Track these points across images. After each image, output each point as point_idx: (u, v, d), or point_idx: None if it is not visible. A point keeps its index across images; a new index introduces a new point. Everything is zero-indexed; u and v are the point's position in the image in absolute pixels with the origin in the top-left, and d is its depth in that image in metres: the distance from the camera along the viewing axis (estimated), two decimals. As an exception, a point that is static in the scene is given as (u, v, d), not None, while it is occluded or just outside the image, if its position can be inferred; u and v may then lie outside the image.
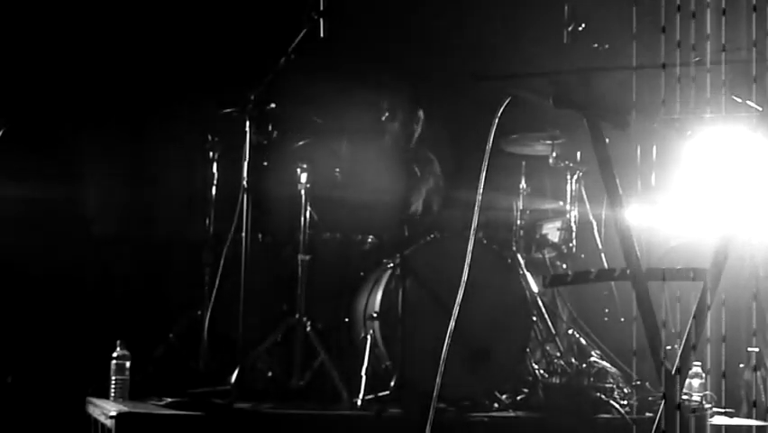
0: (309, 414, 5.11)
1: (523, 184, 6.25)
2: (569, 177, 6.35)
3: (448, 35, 7.10)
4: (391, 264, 5.53)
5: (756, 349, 5.54)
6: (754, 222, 3.30)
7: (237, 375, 5.15)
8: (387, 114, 6.51)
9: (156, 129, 6.80)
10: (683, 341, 3.04)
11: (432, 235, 5.71)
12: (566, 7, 5.36)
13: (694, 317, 3.05)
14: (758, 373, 5.55)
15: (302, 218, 5.71)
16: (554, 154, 6.28)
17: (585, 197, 6.41)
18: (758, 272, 5.25)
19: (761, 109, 3.08)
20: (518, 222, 6.13)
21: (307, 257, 5.70)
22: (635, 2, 3.89)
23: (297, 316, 5.59)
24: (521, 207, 6.16)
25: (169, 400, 5.17)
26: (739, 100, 3.18)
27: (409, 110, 6.49)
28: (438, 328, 5.10)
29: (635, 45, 3.88)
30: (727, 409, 5.45)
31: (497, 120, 3.16)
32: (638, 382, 5.69)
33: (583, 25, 5.47)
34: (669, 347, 3.44)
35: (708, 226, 3.26)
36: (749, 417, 5.50)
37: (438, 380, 3.61)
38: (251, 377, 5.51)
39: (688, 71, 3.43)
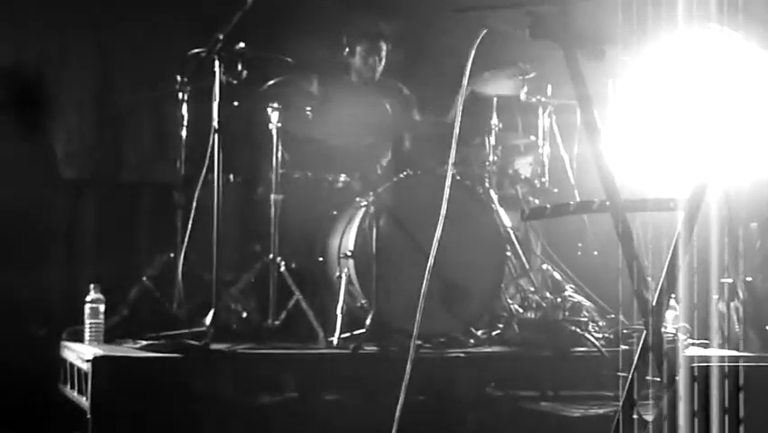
0: (285, 353, 5.11)
1: (494, 120, 6.22)
2: (540, 112, 6.33)
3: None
4: (365, 203, 5.51)
5: (730, 280, 5.58)
6: (729, 154, 3.29)
7: (212, 317, 5.13)
8: (347, 49, 6.45)
9: (124, 70, 6.71)
10: (664, 272, 3.04)
11: (405, 173, 5.70)
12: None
13: (672, 249, 3.04)
14: (732, 304, 5.59)
15: (274, 158, 5.68)
16: (525, 89, 6.25)
17: (557, 131, 6.40)
18: (729, 204, 5.28)
19: (736, 35, 3.05)
20: (491, 158, 6.10)
21: (280, 197, 5.67)
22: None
23: (270, 256, 5.58)
24: (493, 143, 6.14)
25: (145, 342, 5.15)
26: (714, 26, 3.15)
27: (369, 44, 6.43)
28: (412, 266, 5.14)
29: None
30: (702, 341, 5.51)
31: (473, 52, 3.12)
32: (613, 316, 5.72)
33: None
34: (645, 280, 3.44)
35: (682, 161, 3.25)
36: (722, 347, 5.55)
37: (418, 316, 3.60)
38: (227, 318, 5.50)
39: None
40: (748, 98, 3.24)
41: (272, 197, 5.66)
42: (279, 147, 5.68)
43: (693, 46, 3.30)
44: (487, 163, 6.09)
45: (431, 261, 3.68)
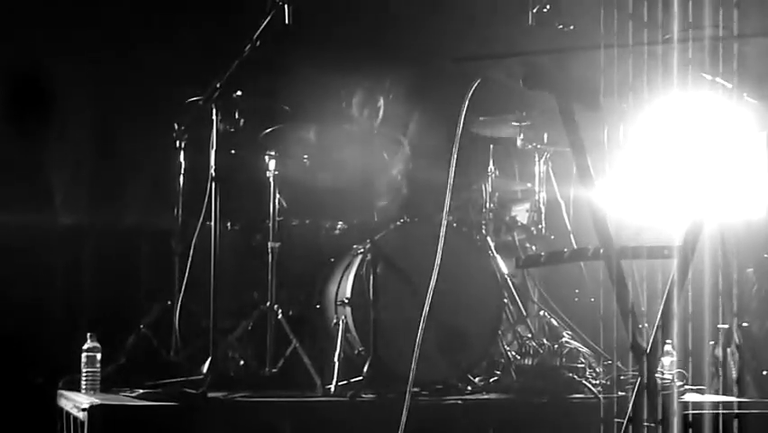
0: (283, 401, 5.10)
1: (491, 166, 6.26)
2: (537, 158, 6.37)
3: (415, 19, 7.07)
4: (362, 250, 5.52)
5: (726, 326, 5.58)
6: (723, 199, 3.31)
7: (210, 364, 5.13)
8: (344, 102, 6.51)
9: (123, 119, 6.75)
10: (658, 319, 3.05)
11: (402, 220, 5.72)
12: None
13: (666, 295, 3.06)
14: (729, 350, 5.59)
15: (271, 205, 5.70)
16: (522, 136, 6.29)
17: (553, 178, 6.43)
18: (724, 249, 5.30)
19: (730, 86, 3.09)
20: (488, 204, 6.13)
21: (277, 244, 5.68)
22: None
23: (268, 303, 5.57)
24: (490, 190, 6.17)
25: (142, 390, 5.14)
26: (708, 77, 3.19)
27: (366, 97, 6.48)
28: (410, 313, 5.12)
29: (602, 25, 3.90)
30: (698, 387, 5.50)
31: (467, 102, 3.15)
32: (609, 362, 5.72)
33: (548, 7, 5.48)
34: (640, 326, 3.45)
35: (677, 205, 3.27)
36: (718, 393, 5.54)
37: (414, 364, 3.60)
38: (224, 366, 5.50)
39: (656, 51, 3.44)
40: (740, 144, 3.28)
41: (270, 244, 5.68)
42: (277, 194, 5.71)
43: (688, 95, 3.34)
44: (484, 210, 6.12)
45: (427, 308, 3.70)
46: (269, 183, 5.70)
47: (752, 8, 3.92)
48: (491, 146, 6.33)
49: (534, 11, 5.50)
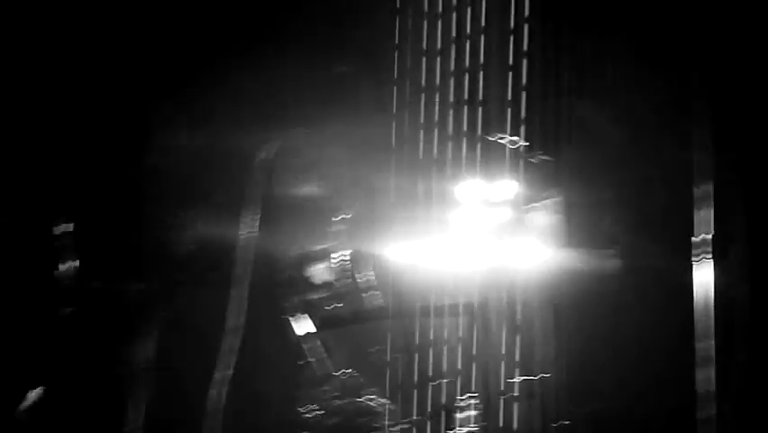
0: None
1: (292, 224, 6.22)
2: (337, 216, 6.36)
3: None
4: (155, 311, 5.42)
5: (525, 378, 5.66)
6: (512, 252, 3.36)
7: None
8: None
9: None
10: (457, 375, 3.06)
11: (196, 279, 5.64)
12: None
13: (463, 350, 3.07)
14: (530, 402, 5.67)
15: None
16: (323, 194, 6.28)
17: (354, 236, 6.43)
18: (521, 300, 5.39)
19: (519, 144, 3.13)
20: (287, 263, 6.09)
21: (69, 310, 5.53)
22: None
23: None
24: (290, 248, 6.13)
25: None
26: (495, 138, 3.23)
27: None
28: (203, 376, 5.04)
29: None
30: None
31: (267, 163, 3.10)
32: (414, 418, 5.72)
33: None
34: (440, 382, 3.46)
35: (470, 259, 3.31)
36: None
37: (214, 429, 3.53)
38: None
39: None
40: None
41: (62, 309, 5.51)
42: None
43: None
44: (283, 268, 6.07)
45: (223, 371, 3.62)
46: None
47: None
48: (293, 203, 6.30)
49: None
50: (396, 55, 4.08)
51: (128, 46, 6.11)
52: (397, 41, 4.19)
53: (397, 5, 4.78)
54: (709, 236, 3.92)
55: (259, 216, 3.30)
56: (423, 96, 3.74)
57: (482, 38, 3.90)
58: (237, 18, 5.83)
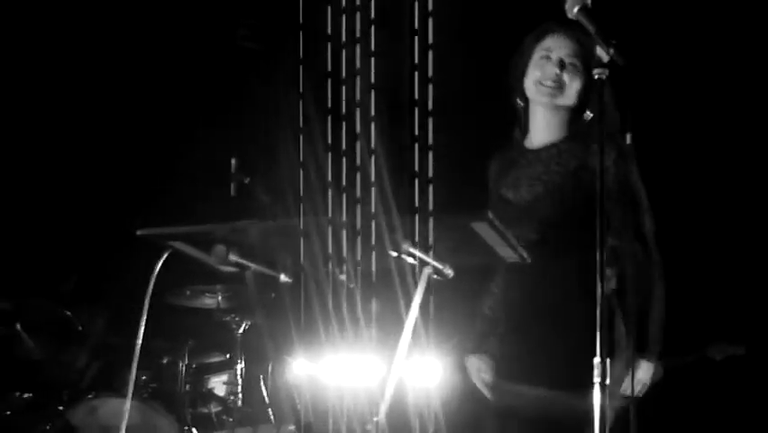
0: None
1: (189, 338, 6.16)
2: (235, 329, 6.31)
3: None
4: (49, 426, 5.31)
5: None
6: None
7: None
8: None
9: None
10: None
11: (91, 394, 5.53)
12: (233, 161, 5.41)
13: None
14: None
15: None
16: (220, 307, 6.24)
17: (251, 349, 6.38)
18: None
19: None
20: (183, 376, 6.01)
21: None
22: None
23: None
24: (187, 362, 6.06)
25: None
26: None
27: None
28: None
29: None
30: None
31: (155, 274, 3.09)
32: None
33: (249, 179, 5.51)
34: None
35: (374, 374, 3.30)
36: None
37: None
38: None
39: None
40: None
41: None
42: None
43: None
44: (179, 381, 5.98)
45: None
46: None
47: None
48: (189, 316, 6.25)
49: (236, 183, 5.52)
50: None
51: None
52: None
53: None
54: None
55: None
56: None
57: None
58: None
